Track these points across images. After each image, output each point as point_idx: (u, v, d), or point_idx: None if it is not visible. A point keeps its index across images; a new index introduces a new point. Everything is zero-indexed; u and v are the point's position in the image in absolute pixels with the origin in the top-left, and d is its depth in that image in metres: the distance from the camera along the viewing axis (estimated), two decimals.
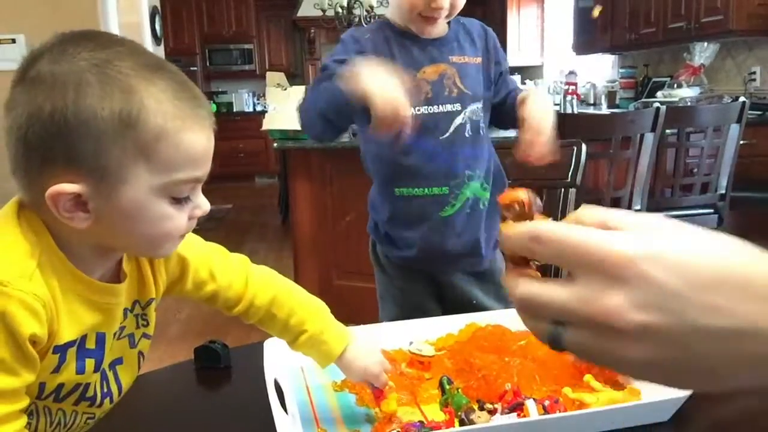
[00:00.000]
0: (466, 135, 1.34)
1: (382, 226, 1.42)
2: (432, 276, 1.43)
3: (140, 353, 0.76)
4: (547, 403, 0.75)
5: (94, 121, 0.58)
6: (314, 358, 0.82)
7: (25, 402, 0.63)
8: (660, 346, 0.35)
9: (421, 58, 1.32)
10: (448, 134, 1.32)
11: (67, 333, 0.64)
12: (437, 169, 1.33)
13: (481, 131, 1.36)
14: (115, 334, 0.71)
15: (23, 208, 0.64)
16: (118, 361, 0.72)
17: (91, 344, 0.67)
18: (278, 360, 0.83)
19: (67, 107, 0.58)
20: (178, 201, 0.64)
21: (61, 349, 0.64)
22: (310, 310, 0.82)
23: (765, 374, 0.35)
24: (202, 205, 0.67)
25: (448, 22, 1.35)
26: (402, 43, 1.33)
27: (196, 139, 0.62)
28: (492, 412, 0.74)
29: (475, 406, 0.75)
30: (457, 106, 1.32)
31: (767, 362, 0.35)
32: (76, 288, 0.65)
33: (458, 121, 1.33)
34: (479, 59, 1.36)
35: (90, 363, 0.67)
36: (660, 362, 0.35)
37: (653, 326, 0.34)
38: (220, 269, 0.80)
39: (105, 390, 0.71)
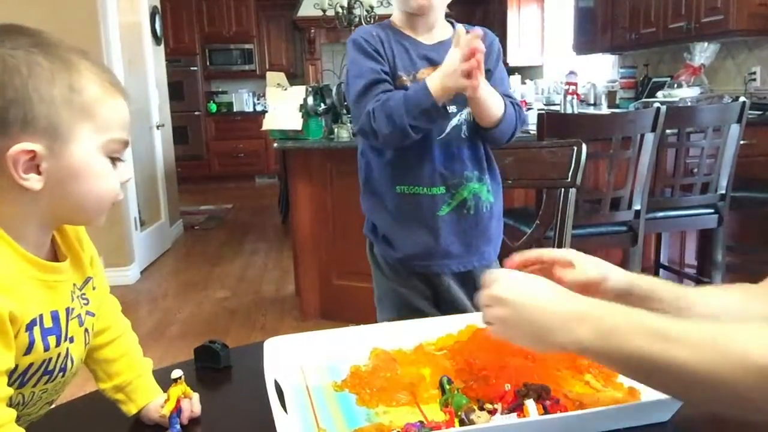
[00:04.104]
0: (463, 136, 1.37)
1: (382, 226, 1.43)
2: (428, 278, 1.43)
3: (86, 330, 0.81)
4: (547, 403, 0.75)
5: (46, 88, 0.68)
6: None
7: (8, 391, 0.67)
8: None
9: (418, 60, 1.36)
10: (443, 135, 1.35)
11: (28, 313, 0.70)
12: (435, 169, 1.35)
13: (480, 132, 1.37)
14: (68, 312, 0.76)
15: None
16: (71, 339, 0.78)
17: (48, 323, 0.73)
18: (278, 360, 0.83)
19: (23, 79, 0.67)
20: (114, 162, 0.75)
21: (30, 328, 0.70)
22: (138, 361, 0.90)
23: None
24: (125, 172, 0.77)
25: (453, 27, 1.38)
26: (401, 43, 1.37)
27: (124, 106, 0.76)
28: (492, 412, 0.74)
29: (475, 406, 0.75)
30: (453, 108, 1.34)
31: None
32: (27, 269, 0.71)
33: (454, 122, 1.36)
34: None
35: (52, 339, 0.74)
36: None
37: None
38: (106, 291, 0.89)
39: (62, 365, 0.77)
